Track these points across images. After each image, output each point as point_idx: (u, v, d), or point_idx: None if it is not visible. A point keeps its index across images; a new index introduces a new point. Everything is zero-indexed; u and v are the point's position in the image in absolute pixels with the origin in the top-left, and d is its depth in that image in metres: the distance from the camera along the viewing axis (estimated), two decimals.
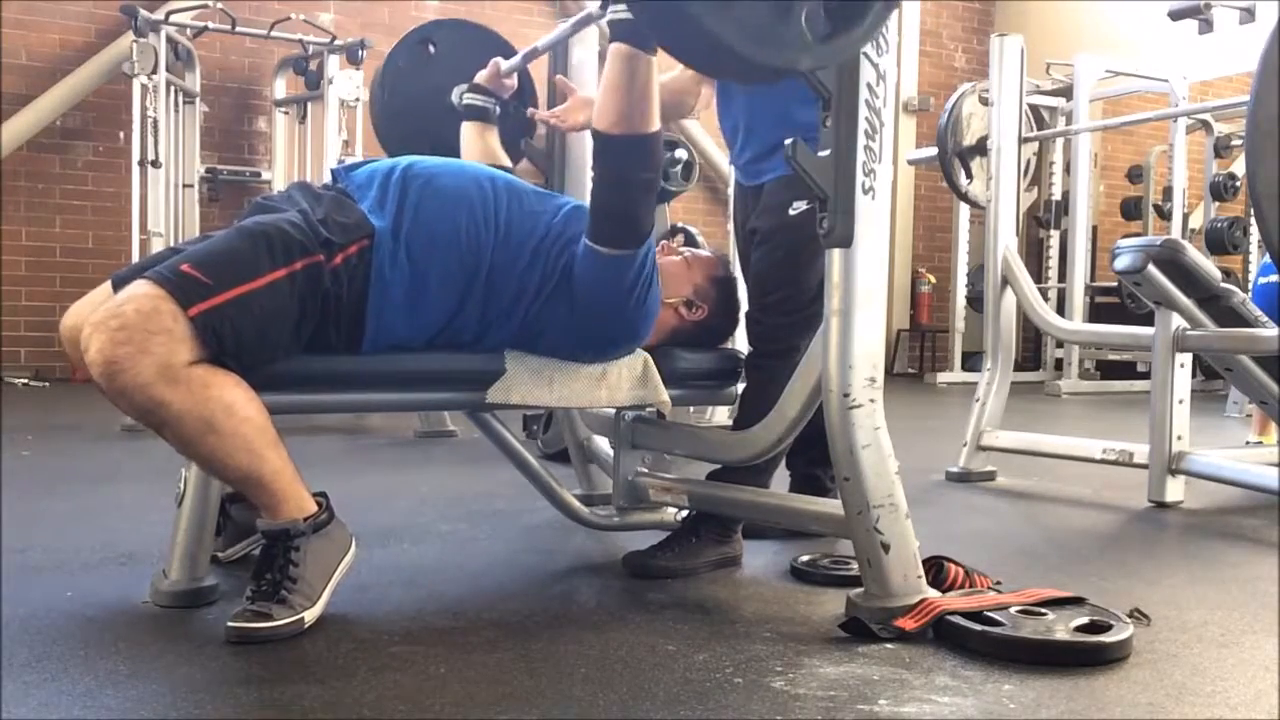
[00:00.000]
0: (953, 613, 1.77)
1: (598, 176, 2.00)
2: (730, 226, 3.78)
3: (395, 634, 1.78)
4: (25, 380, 6.52)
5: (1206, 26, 5.78)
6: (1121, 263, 3.12)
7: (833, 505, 1.93)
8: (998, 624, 1.74)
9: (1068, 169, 8.19)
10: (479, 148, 2.49)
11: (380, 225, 1.93)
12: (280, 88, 7.15)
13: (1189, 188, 8.28)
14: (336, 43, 6.37)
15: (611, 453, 2.46)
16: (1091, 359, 8.43)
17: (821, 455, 2.05)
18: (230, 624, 1.71)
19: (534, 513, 2.72)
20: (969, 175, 4.29)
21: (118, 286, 1.79)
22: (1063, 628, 1.73)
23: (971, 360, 8.01)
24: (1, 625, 1.76)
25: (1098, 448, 3.41)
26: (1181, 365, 3.16)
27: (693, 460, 2.57)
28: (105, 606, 1.92)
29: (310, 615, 1.77)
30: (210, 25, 6.11)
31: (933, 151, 4.52)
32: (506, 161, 2.50)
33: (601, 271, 2.00)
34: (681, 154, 3.92)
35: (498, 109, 2.55)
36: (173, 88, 5.89)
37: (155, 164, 5.22)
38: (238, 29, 6.14)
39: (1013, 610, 1.79)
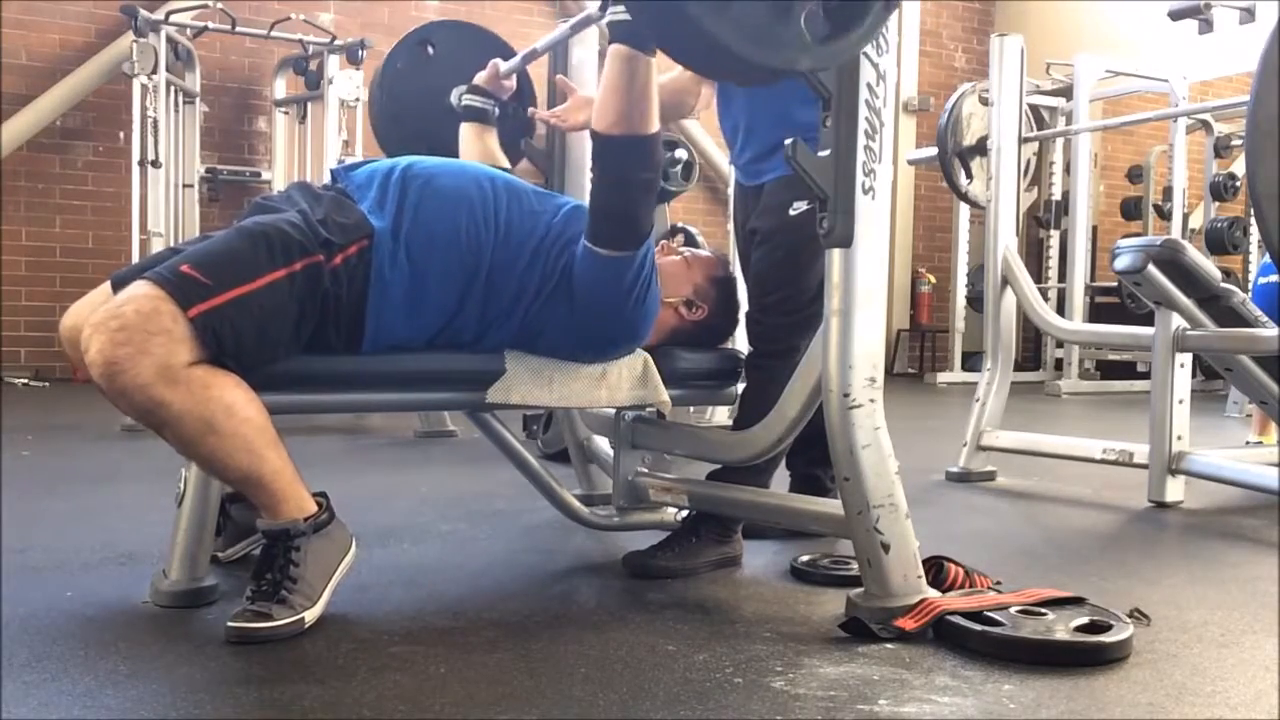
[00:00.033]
0: (953, 613, 1.77)
1: (597, 177, 2.00)
2: (730, 226, 3.78)
3: (395, 634, 1.78)
4: (25, 380, 6.52)
5: (1206, 26, 5.78)
6: (1121, 263, 3.12)
7: (833, 505, 1.93)
8: (998, 624, 1.74)
9: (1068, 169, 8.19)
10: (477, 149, 2.49)
11: (380, 225, 1.93)
12: (280, 88, 7.15)
13: (1189, 188, 8.28)
14: (336, 43, 6.37)
15: (611, 453, 2.46)
16: (1091, 359, 8.44)
17: (821, 455, 2.05)
18: (230, 624, 1.71)
19: (534, 513, 2.72)
20: (969, 175, 4.29)
21: (117, 287, 1.79)
22: (1063, 628, 1.73)
23: (971, 360, 8.01)
24: (1, 625, 1.76)
25: (1098, 448, 3.41)
26: (1181, 365, 3.16)
27: (693, 460, 2.57)
28: (105, 606, 1.92)
29: (310, 615, 1.77)
30: (210, 25, 6.12)
31: (933, 151, 4.52)
32: (505, 163, 2.50)
33: (600, 272, 2.00)
34: (681, 154, 3.92)
35: (496, 110, 2.55)
36: (173, 88, 5.89)
37: (155, 164, 5.23)
38: (238, 29, 6.15)
39: (1013, 610, 1.79)
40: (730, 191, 3.68)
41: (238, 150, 7.41)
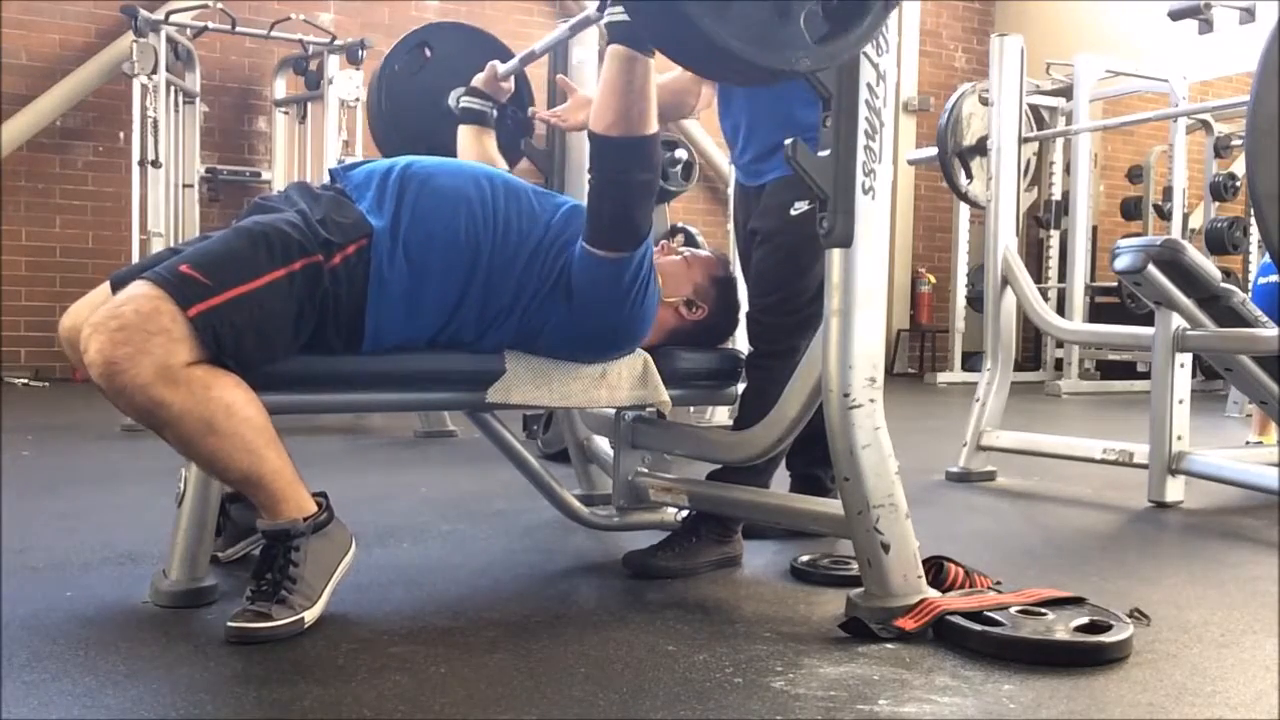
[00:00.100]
0: (953, 613, 1.77)
1: (595, 179, 1.99)
2: (730, 226, 3.78)
3: (395, 634, 1.78)
4: (25, 380, 6.52)
5: (1206, 26, 5.79)
6: (1121, 263, 3.12)
7: (833, 505, 1.93)
8: (998, 624, 1.74)
9: (1068, 169, 8.19)
10: (476, 151, 2.49)
11: (378, 225, 1.93)
12: (280, 88, 7.15)
13: (1189, 188, 8.28)
14: (336, 43, 6.38)
15: (611, 453, 2.46)
16: (1091, 359, 8.44)
17: (821, 455, 2.05)
18: (230, 624, 1.71)
19: (534, 513, 2.72)
20: (969, 175, 4.29)
21: (117, 287, 1.79)
22: (1063, 628, 1.73)
23: (971, 360, 8.01)
24: (1, 625, 1.76)
25: (1098, 448, 3.41)
26: (1181, 365, 3.16)
27: (693, 460, 2.57)
28: (105, 606, 1.92)
29: (310, 615, 1.77)
30: (210, 25, 6.12)
31: (933, 151, 4.52)
32: (503, 165, 2.50)
33: (598, 273, 1.99)
34: (681, 154, 3.93)
35: (495, 112, 2.55)
36: (173, 88, 5.89)
37: (155, 164, 5.22)
38: (238, 29, 6.15)
39: (1013, 610, 1.79)
40: (730, 191, 3.68)
41: (238, 150, 7.41)
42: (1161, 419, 3.14)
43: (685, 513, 2.35)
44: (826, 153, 1.79)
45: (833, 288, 1.83)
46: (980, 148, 4.18)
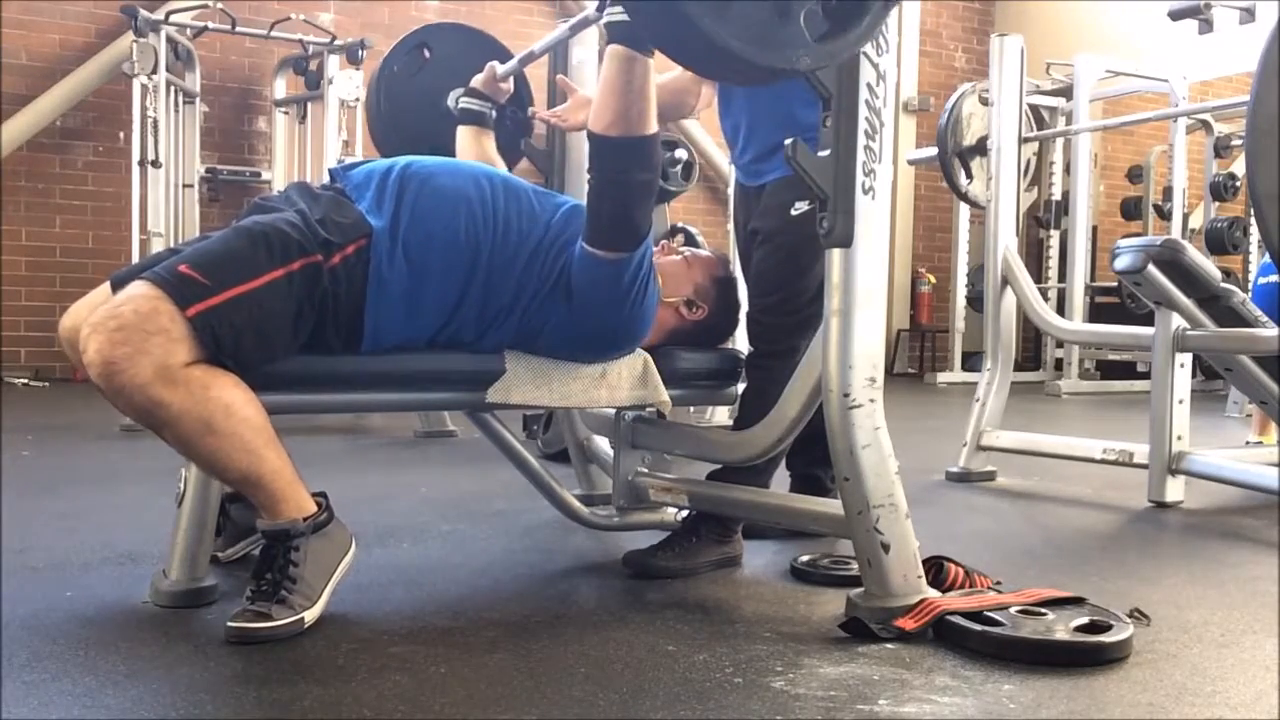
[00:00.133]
0: (953, 613, 1.77)
1: (594, 179, 1.98)
2: (730, 226, 3.78)
3: (395, 634, 1.78)
4: (25, 380, 6.52)
5: (1206, 26, 5.79)
6: (1121, 263, 3.12)
7: (833, 505, 1.93)
8: (998, 624, 1.74)
9: (1068, 169, 8.19)
10: (474, 152, 2.49)
11: (378, 225, 1.93)
12: (280, 88, 7.15)
13: (1189, 188, 8.28)
14: (336, 43, 6.37)
15: (611, 453, 2.46)
16: (1091, 359, 8.43)
17: (821, 455, 2.05)
18: (230, 624, 1.71)
19: (534, 513, 2.72)
20: (969, 175, 4.29)
21: (116, 287, 1.79)
22: (1063, 628, 1.73)
23: (971, 360, 8.00)
24: (1, 625, 1.76)
25: (1098, 448, 3.41)
26: (1181, 365, 3.16)
27: (693, 460, 2.57)
28: (105, 606, 1.92)
29: (310, 615, 1.77)
30: (210, 25, 6.12)
31: (933, 151, 4.52)
32: (502, 165, 2.50)
33: (598, 274, 1.99)
34: (681, 154, 3.92)
35: (493, 113, 2.55)
36: (173, 88, 5.89)
37: (155, 164, 5.23)
38: (238, 29, 6.15)
39: (1013, 610, 1.79)
40: (730, 191, 3.68)
41: (238, 150, 7.41)
42: (1161, 419, 3.14)
43: (685, 513, 2.35)
44: (826, 153, 1.79)
45: (833, 288, 1.83)
46: (980, 148, 4.18)
